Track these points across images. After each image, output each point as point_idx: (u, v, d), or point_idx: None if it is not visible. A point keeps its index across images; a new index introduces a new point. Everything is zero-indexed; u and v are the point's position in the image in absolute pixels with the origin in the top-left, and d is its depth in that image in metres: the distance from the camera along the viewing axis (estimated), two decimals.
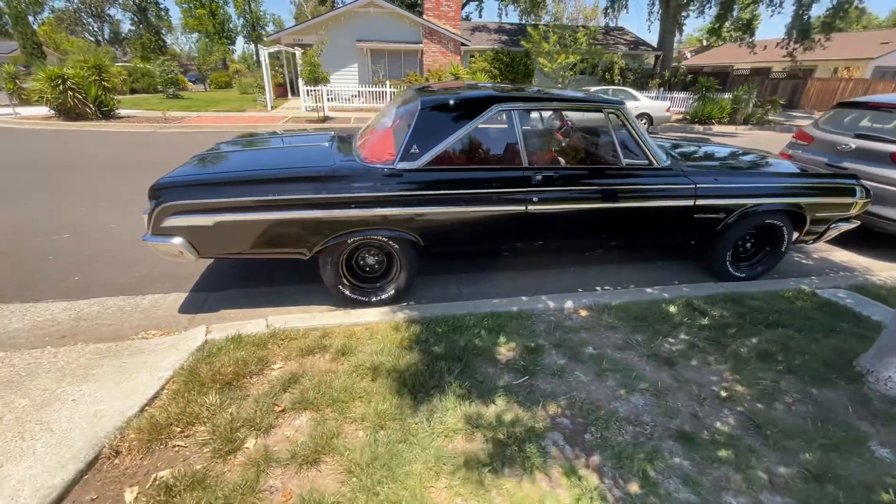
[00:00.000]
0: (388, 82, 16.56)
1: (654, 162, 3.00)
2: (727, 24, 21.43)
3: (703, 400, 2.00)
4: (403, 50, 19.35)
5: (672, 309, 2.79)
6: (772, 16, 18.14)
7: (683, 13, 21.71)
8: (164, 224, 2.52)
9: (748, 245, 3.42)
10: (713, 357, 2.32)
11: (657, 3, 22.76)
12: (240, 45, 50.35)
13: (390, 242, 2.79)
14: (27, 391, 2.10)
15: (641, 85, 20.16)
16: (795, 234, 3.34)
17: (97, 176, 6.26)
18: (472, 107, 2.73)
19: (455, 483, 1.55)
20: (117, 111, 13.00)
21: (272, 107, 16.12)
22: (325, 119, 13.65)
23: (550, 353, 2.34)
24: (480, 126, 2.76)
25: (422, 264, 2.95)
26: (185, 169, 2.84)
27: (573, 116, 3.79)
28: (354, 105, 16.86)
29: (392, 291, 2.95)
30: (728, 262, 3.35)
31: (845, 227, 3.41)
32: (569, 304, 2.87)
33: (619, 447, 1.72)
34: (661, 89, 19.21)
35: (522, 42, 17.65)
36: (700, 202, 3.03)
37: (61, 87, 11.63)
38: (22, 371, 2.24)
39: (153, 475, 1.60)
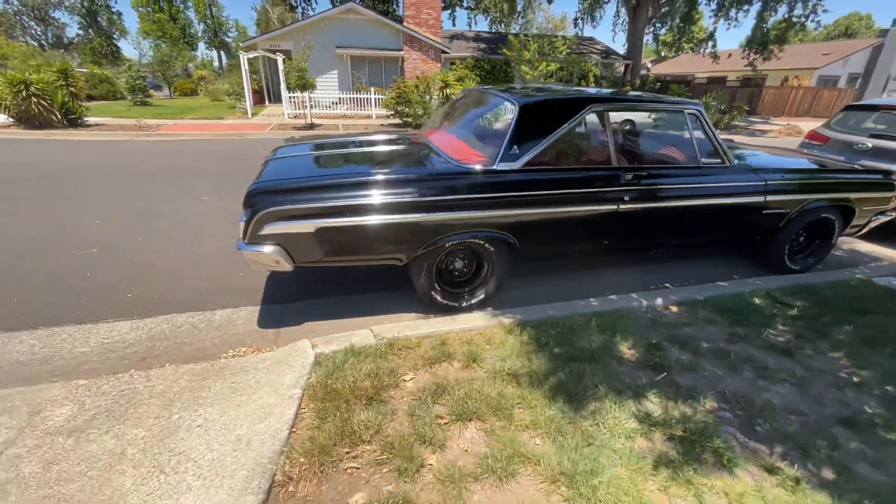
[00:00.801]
0: (372, 89, 16.40)
1: (727, 161, 3.12)
2: (686, 36, 22.84)
3: (841, 386, 2.07)
4: (384, 57, 19.25)
5: (758, 301, 2.89)
6: (728, 29, 19.29)
7: (648, 27, 22.84)
8: (262, 232, 2.35)
9: (801, 239, 3.60)
10: (824, 345, 2.41)
11: (623, 15, 23.90)
12: (200, 51, 48.28)
13: (486, 245, 2.73)
14: (137, 420, 1.90)
15: None
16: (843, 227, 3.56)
17: (95, 186, 5.79)
18: (568, 108, 2.74)
19: (665, 483, 1.52)
20: (86, 119, 12.14)
21: (252, 114, 15.56)
22: (312, 126, 13.33)
23: (671, 349, 2.36)
24: (574, 127, 2.77)
25: (511, 267, 2.91)
26: (274, 173, 2.68)
27: (644, 118, 3.89)
28: (338, 112, 16.58)
29: (482, 295, 2.89)
30: (786, 256, 3.51)
31: (883, 219, 3.66)
32: (659, 300, 2.91)
33: (796, 437, 1.75)
34: None
35: (504, 50, 18.00)
36: (769, 198, 3.17)
37: (24, 93, 10.74)
38: (119, 399, 2.02)
39: (347, 501, 1.47)
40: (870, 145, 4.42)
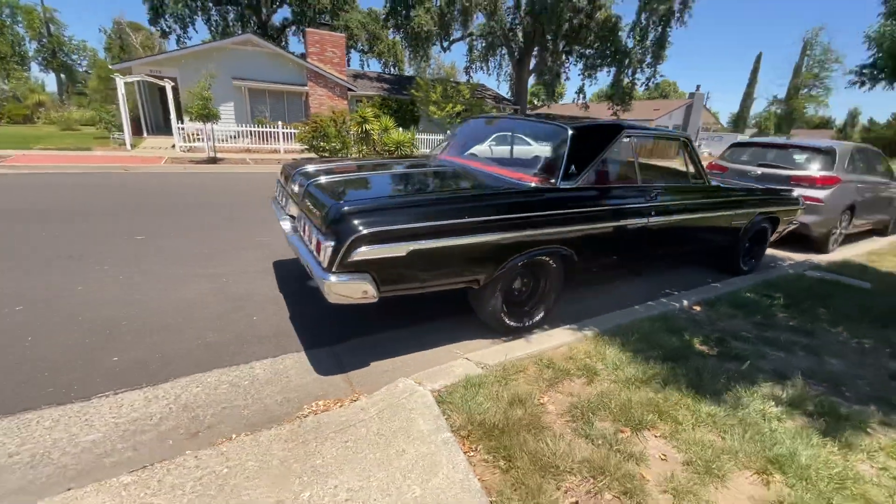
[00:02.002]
0: (280, 123, 15.51)
1: (707, 182, 3.72)
2: (558, 89, 26.86)
3: (865, 353, 2.56)
4: (286, 91, 18.50)
5: (751, 296, 3.43)
6: (590, 85, 23.28)
7: (531, 77, 26.23)
8: (352, 258, 2.04)
9: (747, 245, 4.41)
10: (824, 324, 2.96)
11: (508, 65, 27.11)
12: (34, 73, 39.93)
13: (549, 260, 2.78)
14: None
15: None
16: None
17: None
18: (609, 132, 3.01)
19: (848, 452, 1.69)
20: None
21: (131, 145, 13.35)
22: (214, 160, 11.97)
23: (730, 341, 2.65)
24: (614, 148, 3.04)
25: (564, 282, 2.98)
26: (354, 194, 2.39)
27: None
28: (240, 145, 15.21)
29: (542, 313, 2.90)
30: (740, 259, 4.25)
31: (791, 227, 4.71)
32: (685, 303, 3.26)
33: (872, 395, 2.10)
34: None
35: (412, 91, 18.81)
36: (738, 211, 3.85)
37: None
38: (204, 491, 1.50)
39: None
40: (759, 172, 5.69)
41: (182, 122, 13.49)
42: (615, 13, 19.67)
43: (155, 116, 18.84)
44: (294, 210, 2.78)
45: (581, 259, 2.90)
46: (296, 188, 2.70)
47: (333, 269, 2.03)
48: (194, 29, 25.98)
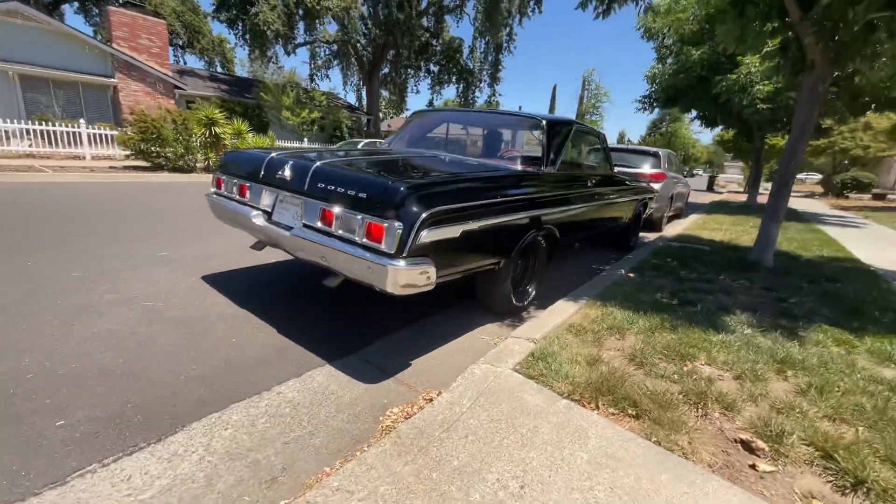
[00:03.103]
0: (82, 122, 12.09)
1: (614, 172, 4.52)
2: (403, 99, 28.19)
3: (749, 289, 3.51)
4: (84, 83, 14.60)
5: (657, 262, 4.31)
6: (432, 97, 25.21)
7: (381, 88, 26.69)
8: (420, 241, 1.84)
9: (633, 226, 5.49)
10: (711, 274, 3.92)
11: (355, 75, 27.01)
12: None
13: (542, 240, 2.99)
14: None
15: None
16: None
17: None
18: (568, 125, 3.39)
19: (827, 344, 2.33)
20: None
21: None
22: None
23: (676, 294, 3.29)
24: (572, 140, 3.44)
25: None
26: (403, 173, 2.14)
27: None
28: (15, 148, 11.26)
29: (533, 291, 3.10)
30: (631, 238, 5.29)
31: (649, 211, 6.05)
32: (622, 272, 3.90)
33: (796, 311, 2.94)
34: None
35: (261, 94, 17.07)
36: (635, 197, 4.78)
37: None
38: None
39: None
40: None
41: None
42: (457, 36, 21.67)
43: None
44: (284, 200, 2.33)
45: (563, 238, 3.20)
46: (288, 173, 2.26)
47: (404, 254, 1.80)
48: None
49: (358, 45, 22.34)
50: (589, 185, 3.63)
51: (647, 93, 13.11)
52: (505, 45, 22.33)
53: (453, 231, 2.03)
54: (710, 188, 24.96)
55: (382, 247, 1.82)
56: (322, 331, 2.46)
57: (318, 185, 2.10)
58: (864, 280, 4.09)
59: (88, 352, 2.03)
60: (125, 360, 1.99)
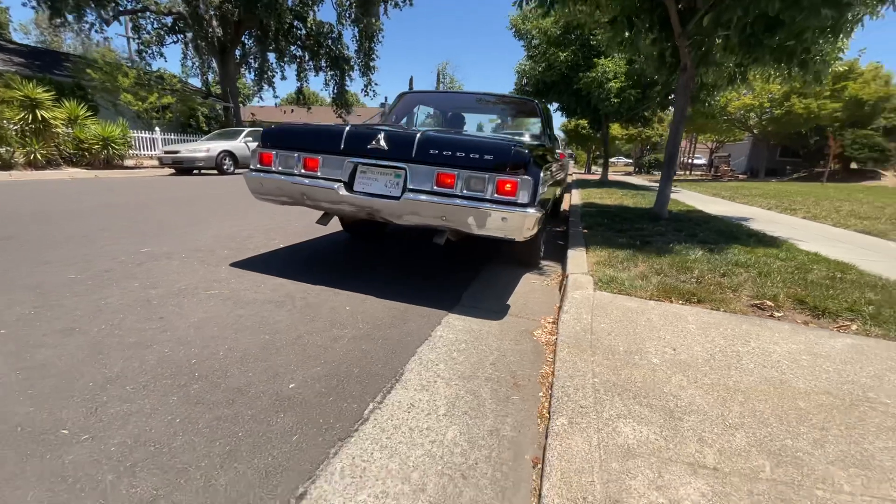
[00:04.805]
0: None
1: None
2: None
3: (664, 233, 4.77)
4: None
5: (605, 220, 5.39)
6: (301, 85, 23.94)
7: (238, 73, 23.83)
8: (539, 194, 2.26)
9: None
10: (637, 224, 5.13)
11: (194, 56, 23.49)
12: None
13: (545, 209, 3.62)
14: None
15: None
16: None
17: None
18: (547, 107, 4.04)
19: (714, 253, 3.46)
20: None
21: None
22: None
23: (636, 238, 4.31)
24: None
25: None
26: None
27: None
28: None
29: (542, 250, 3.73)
30: (560, 206, 6.34)
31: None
32: (580, 228, 4.81)
33: (703, 236, 4.17)
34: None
35: (89, 72, 13.77)
36: (566, 171, 5.78)
37: None
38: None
39: None
40: None
41: None
42: (326, 21, 20.75)
43: None
44: (366, 170, 2.43)
45: (550, 207, 3.88)
46: (383, 143, 2.37)
47: (535, 204, 2.19)
48: None
49: (205, 19, 19.53)
50: (558, 157, 4.39)
51: (519, 86, 14.98)
52: (375, 32, 22.27)
53: (545, 186, 2.48)
54: None
55: (518, 199, 2.18)
56: (413, 293, 2.63)
57: (430, 152, 2.30)
58: (718, 221, 5.86)
59: (219, 335, 1.88)
60: (270, 336, 1.92)
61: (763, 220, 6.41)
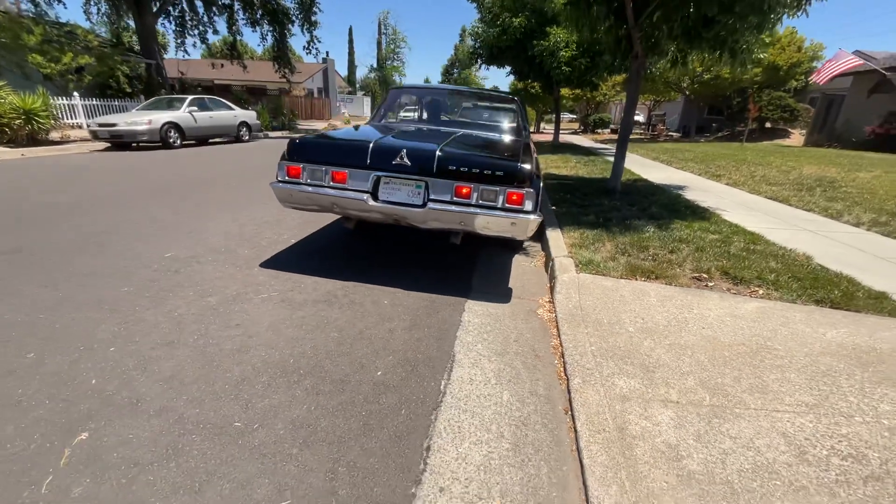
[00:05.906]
0: None
1: None
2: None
3: (620, 207, 5.54)
4: None
5: (568, 196, 6.05)
6: (234, 39, 22.06)
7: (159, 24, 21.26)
8: (539, 200, 2.79)
9: None
10: (596, 199, 5.86)
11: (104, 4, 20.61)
12: None
13: None
14: None
15: (150, 95, 18.81)
16: None
17: None
18: (521, 100, 4.47)
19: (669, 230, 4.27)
20: None
21: None
22: None
23: (597, 214, 5.01)
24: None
25: None
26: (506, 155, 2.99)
27: None
28: None
29: None
30: None
31: None
32: (552, 207, 5.44)
33: (656, 213, 4.97)
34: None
35: None
36: None
37: None
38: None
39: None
40: None
41: None
42: None
43: None
44: (389, 181, 2.83)
45: None
46: (407, 160, 2.75)
47: (536, 210, 2.73)
48: None
49: None
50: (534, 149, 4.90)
51: (473, 48, 14.96)
52: None
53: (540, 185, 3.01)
54: None
55: (525, 207, 2.70)
56: (431, 283, 3.12)
57: (449, 168, 2.73)
58: (662, 192, 6.75)
59: (297, 336, 2.30)
60: (337, 333, 2.36)
61: (697, 188, 7.43)
